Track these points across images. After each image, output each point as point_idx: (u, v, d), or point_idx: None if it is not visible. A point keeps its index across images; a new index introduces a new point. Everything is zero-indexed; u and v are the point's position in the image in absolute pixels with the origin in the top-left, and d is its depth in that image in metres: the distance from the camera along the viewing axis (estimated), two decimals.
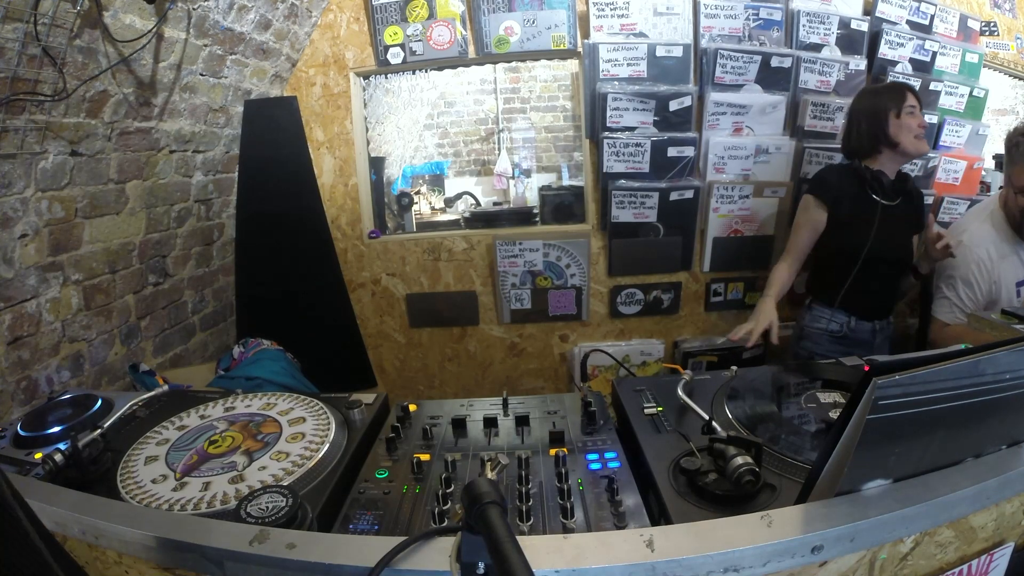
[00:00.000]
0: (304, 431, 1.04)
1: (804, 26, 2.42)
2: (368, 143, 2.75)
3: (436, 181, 3.85)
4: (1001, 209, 1.85)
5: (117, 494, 0.89)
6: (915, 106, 1.80)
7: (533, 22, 2.38)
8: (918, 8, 2.54)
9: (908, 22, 2.55)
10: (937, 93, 2.59)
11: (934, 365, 0.64)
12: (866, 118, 1.85)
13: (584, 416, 1.10)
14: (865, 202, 1.83)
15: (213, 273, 2.41)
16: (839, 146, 2.45)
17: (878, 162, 1.85)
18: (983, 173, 2.70)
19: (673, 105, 2.39)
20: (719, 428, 0.93)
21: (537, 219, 2.85)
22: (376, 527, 0.83)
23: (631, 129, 2.41)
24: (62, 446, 0.94)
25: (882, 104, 1.82)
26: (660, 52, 2.36)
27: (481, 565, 0.59)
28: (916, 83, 2.51)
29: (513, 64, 3.94)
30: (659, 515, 0.84)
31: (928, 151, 1.90)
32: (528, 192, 3.47)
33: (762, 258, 2.63)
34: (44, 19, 1.30)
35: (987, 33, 2.74)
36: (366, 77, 2.65)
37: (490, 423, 1.08)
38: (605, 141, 2.40)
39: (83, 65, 1.48)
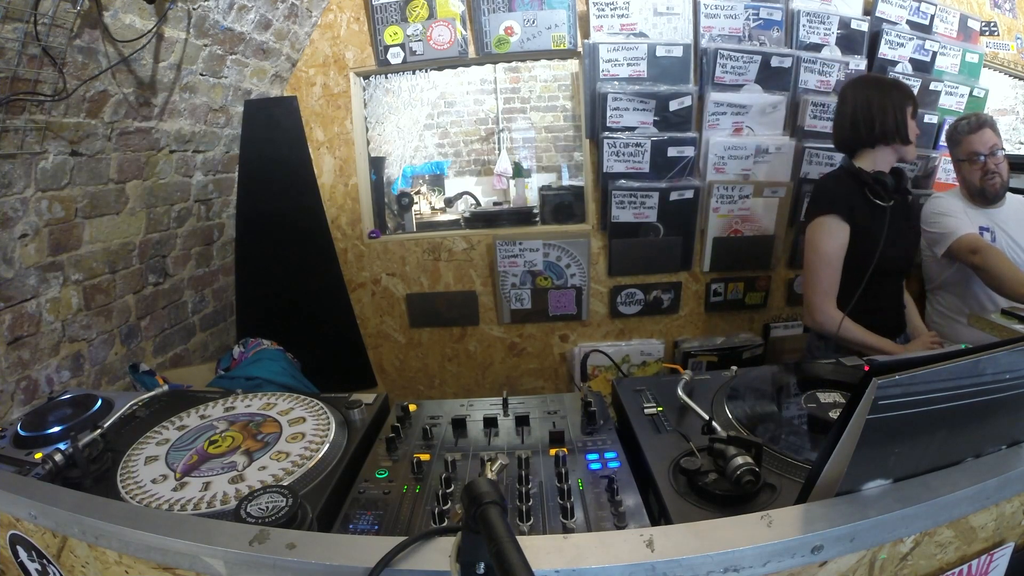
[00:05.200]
0: (304, 431, 1.04)
1: (804, 26, 2.42)
2: (368, 143, 2.76)
3: (436, 181, 3.85)
4: (961, 194, 2.08)
5: (117, 494, 0.89)
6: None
7: (533, 22, 2.38)
8: (918, 8, 2.54)
9: (908, 22, 2.55)
10: (937, 93, 2.59)
11: (934, 365, 0.64)
12: (879, 110, 1.69)
13: (584, 416, 1.10)
14: (871, 208, 1.68)
15: (213, 273, 2.41)
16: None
17: (869, 159, 1.71)
18: None
19: (673, 105, 2.39)
20: (719, 428, 0.93)
21: (537, 219, 2.85)
22: (376, 527, 0.83)
23: (631, 129, 2.42)
24: (62, 446, 0.93)
25: (899, 99, 1.68)
26: (660, 52, 2.36)
27: (481, 565, 0.59)
28: (916, 83, 2.52)
29: (513, 64, 3.94)
30: (659, 515, 0.83)
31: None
32: (528, 192, 3.47)
33: (762, 258, 2.64)
34: (44, 19, 1.30)
35: (987, 33, 2.74)
36: (366, 77, 2.66)
37: (490, 423, 1.08)
38: (605, 141, 2.40)
39: (83, 65, 1.48)
